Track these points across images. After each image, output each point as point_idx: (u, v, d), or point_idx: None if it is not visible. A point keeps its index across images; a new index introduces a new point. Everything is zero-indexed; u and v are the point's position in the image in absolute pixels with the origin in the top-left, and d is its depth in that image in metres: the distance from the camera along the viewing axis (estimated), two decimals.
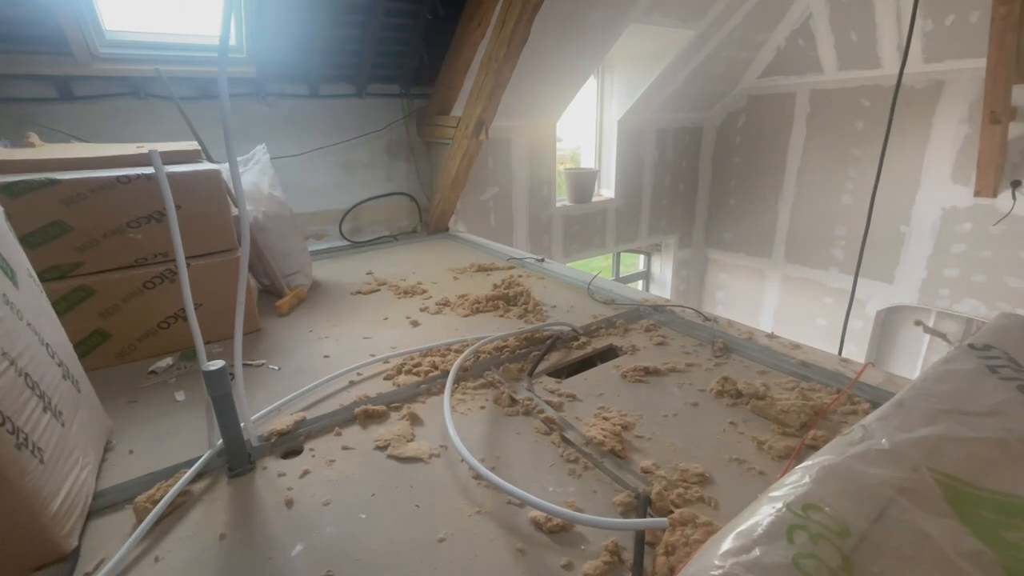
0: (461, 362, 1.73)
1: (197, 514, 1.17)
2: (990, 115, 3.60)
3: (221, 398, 1.21)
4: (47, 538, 1.00)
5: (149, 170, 1.79)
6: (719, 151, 5.99)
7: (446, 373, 1.73)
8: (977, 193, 4.07)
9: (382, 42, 3.29)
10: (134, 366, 1.87)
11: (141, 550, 1.08)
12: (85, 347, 1.78)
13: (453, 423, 1.39)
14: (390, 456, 1.36)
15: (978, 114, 3.82)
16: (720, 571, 0.56)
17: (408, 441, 1.41)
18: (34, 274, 1.27)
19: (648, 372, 1.74)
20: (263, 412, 1.51)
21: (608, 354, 1.95)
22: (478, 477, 1.27)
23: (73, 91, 2.62)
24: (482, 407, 1.58)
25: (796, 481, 0.67)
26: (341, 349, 1.99)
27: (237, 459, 1.29)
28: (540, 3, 2.74)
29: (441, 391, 1.67)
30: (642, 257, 6.57)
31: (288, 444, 1.41)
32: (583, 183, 5.11)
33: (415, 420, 1.52)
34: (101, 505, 1.19)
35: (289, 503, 1.20)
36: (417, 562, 1.03)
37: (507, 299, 2.42)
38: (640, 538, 1.03)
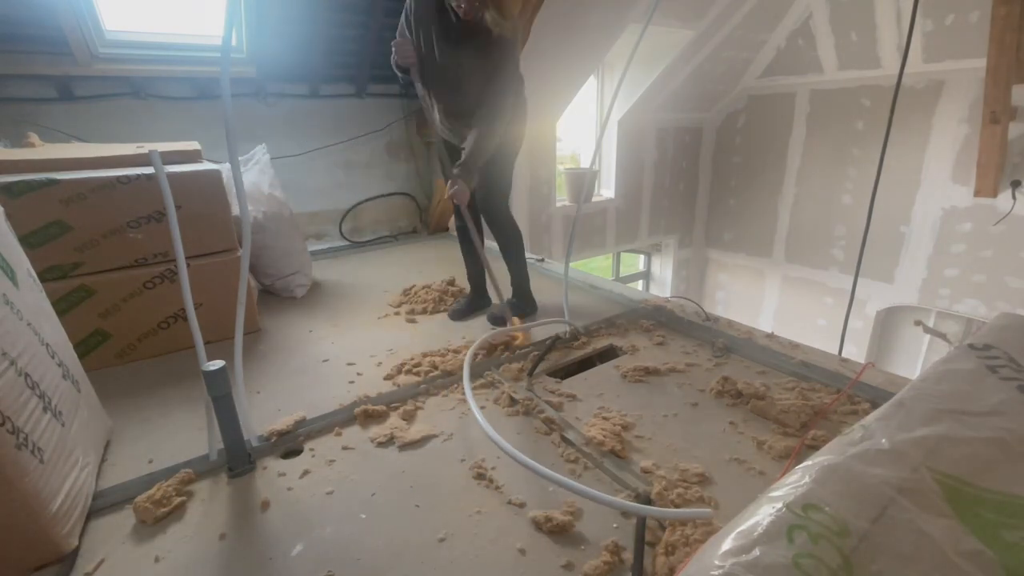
0: (471, 356, 1.70)
1: (197, 514, 1.17)
2: (990, 115, 3.60)
3: (221, 398, 1.21)
4: (47, 538, 1.00)
5: (149, 170, 1.79)
6: (719, 151, 5.99)
7: (446, 373, 1.73)
8: (977, 193, 4.06)
9: (382, 42, 3.28)
10: (134, 366, 1.87)
11: (141, 550, 1.08)
12: (85, 347, 1.78)
13: (464, 416, 1.39)
14: (395, 446, 1.36)
15: (978, 114, 3.82)
16: (720, 571, 0.56)
17: (410, 439, 1.41)
18: (34, 274, 1.27)
19: (648, 372, 1.74)
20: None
21: (608, 354, 1.95)
22: (479, 477, 1.27)
23: (73, 91, 2.62)
24: (482, 407, 1.57)
25: (796, 481, 0.67)
26: (342, 350, 1.99)
27: (237, 459, 1.29)
28: (540, 3, 2.74)
29: (440, 392, 1.67)
30: (642, 257, 6.56)
31: (288, 444, 1.41)
32: (583, 183, 5.10)
33: (414, 419, 1.52)
34: (101, 505, 1.19)
35: (289, 503, 1.20)
36: (417, 562, 1.04)
37: None
38: (640, 537, 1.03)
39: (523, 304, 2.29)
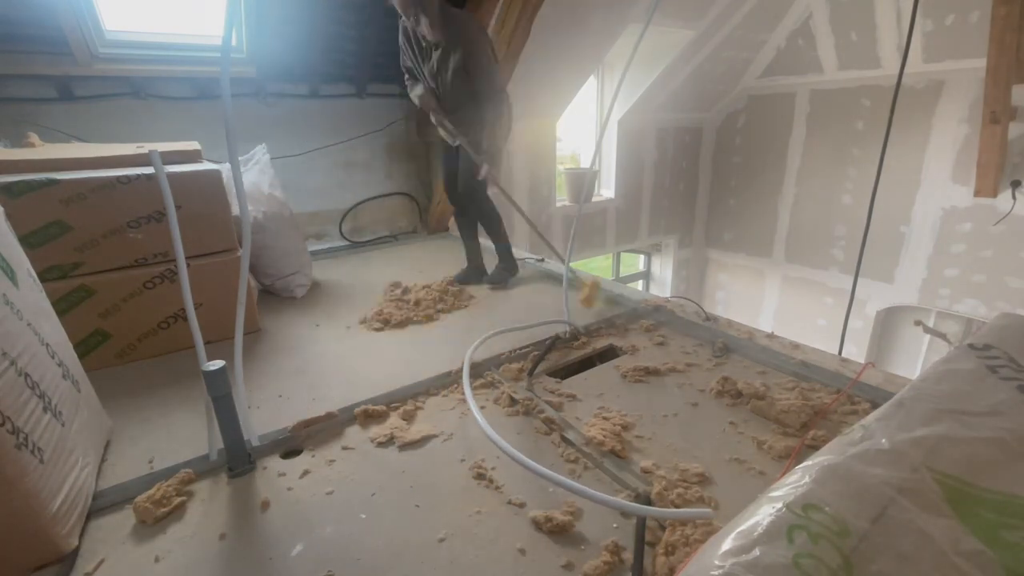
0: (471, 353, 1.71)
1: (197, 514, 1.18)
2: (990, 115, 3.60)
3: (221, 398, 1.21)
4: (47, 538, 1.00)
5: (149, 170, 1.79)
6: (719, 151, 5.99)
7: (447, 372, 1.73)
8: (977, 193, 4.06)
9: (382, 42, 3.28)
10: (134, 366, 1.87)
11: (141, 550, 1.08)
12: (85, 347, 1.78)
13: (464, 417, 1.39)
14: (395, 446, 1.36)
15: (978, 114, 3.82)
16: (720, 571, 0.56)
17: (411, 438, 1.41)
18: (34, 274, 1.27)
19: (648, 372, 1.74)
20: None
21: (608, 354, 1.95)
22: (479, 477, 1.27)
23: (73, 91, 2.62)
24: (482, 407, 1.58)
25: (796, 481, 0.67)
26: (343, 349, 1.99)
27: (237, 459, 1.29)
28: (540, 3, 2.74)
29: (440, 392, 1.67)
30: (642, 257, 6.56)
31: (288, 444, 1.41)
32: (583, 183, 5.10)
33: (414, 419, 1.52)
34: (101, 505, 1.19)
35: (289, 503, 1.20)
36: (417, 562, 1.04)
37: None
38: (640, 537, 1.03)
39: (509, 266, 2.70)
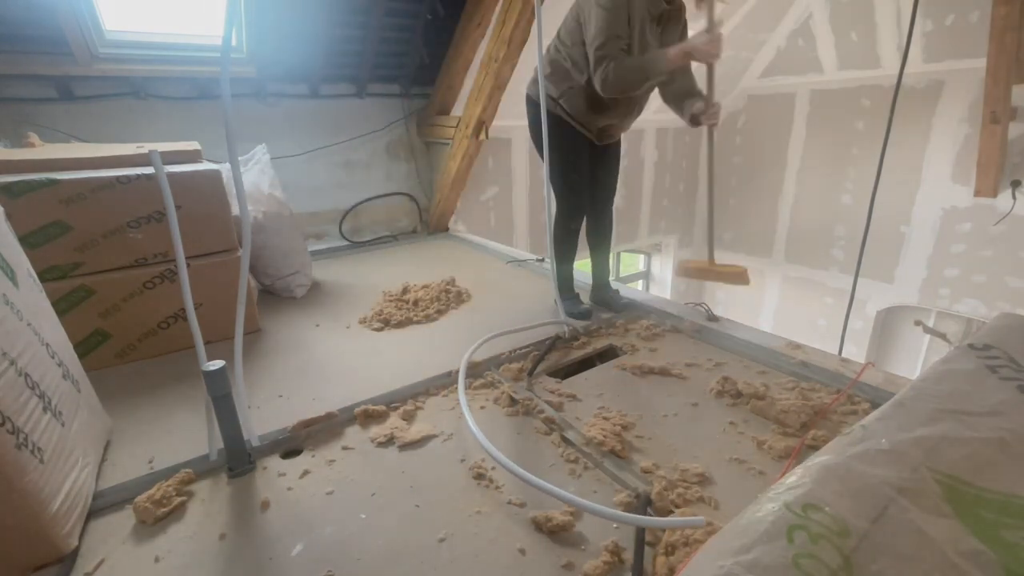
0: (469, 356, 1.72)
1: (197, 514, 1.18)
2: (990, 115, 3.59)
3: (221, 398, 1.21)
4: (47, 538, 1.00)
5: (149, 170, 1.79)
6: (719, 151, 5.99)
7: (447, 373, 1.73)
8: (977, 193, 4.06)
9: (382, 42, 3.29)
10: (134, 366, 1.87)
11: (141, 550, 1.08)
12: (85, 347, 1.78)
13: (463, 418, 1.39)
14: (395, 446, 1.36)
15: (978, 114, 3.81)
16: (720, 571, 0.56)
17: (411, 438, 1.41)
18: (34, 274, 1.27)
19: (648, 372, 1.73)
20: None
21: (608, 354, 1.95)
22: (479, 477, 1.27)
23: (73, 91, 2.62)
24: (482, 407, 1.58)
25: (796, 481, 0.67)
26: (343, 349, 1.99)
27: (237, 459, 1.29)
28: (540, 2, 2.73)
29: (440, 392, 1.67)
30: (642, 257, 6.56)
31: (288, 444, 1.41)
32: None
33: (414, 419, 1.52)
34: (101, 505, 1.19)
35: (289, 503, 1.20)
36: (417, 562, 1.04)
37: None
38: (640, 537, 1.03)
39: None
